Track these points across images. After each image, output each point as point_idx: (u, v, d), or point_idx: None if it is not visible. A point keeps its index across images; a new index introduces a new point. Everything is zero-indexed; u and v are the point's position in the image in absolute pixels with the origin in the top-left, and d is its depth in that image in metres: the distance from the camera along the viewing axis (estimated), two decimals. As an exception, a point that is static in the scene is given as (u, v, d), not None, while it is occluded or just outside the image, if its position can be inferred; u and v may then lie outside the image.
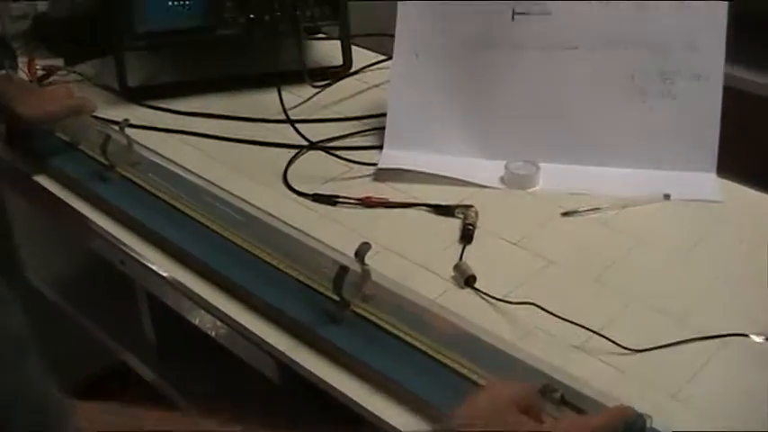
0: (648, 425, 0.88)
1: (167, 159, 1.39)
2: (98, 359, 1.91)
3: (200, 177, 1.33)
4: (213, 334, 1.21)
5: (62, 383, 0.79)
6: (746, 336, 1.07)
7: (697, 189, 1.37)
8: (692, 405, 0.98)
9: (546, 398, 0.90)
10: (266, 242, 1.20)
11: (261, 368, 1.13)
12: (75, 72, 1.77)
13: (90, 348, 1.73)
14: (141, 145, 1.42)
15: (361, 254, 1.04)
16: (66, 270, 1.84)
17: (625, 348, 1.04)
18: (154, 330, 1.51)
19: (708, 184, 1.38)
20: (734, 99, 1.42)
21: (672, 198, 1.35)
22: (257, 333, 1.10)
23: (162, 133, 1.56)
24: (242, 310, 1.14)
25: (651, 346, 1.05)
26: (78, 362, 1.96)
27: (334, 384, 1.02)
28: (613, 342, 1.05)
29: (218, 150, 1.51)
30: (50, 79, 1.76)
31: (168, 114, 1.63)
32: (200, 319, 1.22)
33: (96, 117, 1.50)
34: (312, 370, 1.04)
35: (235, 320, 1.13)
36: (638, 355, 1.04)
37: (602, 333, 1.06)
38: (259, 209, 1.24)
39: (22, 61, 1.78)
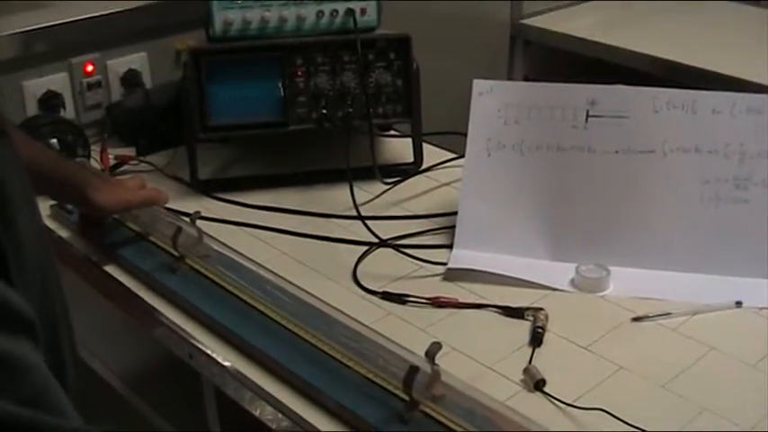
0: None
1: (237, 252, 1.43)
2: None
3: (269, 271, 1.37)
4: (260, 416, 1.25)
5: None
6: (818, 448, 1.10)
7: (769, 297, 1.40)
8: None
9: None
10: (335, 339, 1.23)
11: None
12: (146, 162, 1.84)
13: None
14: (212, 237, 1.47)
15: (431, 353, 1.08)
16: (133, 362, 1.88)
17: (695, 458, 1.08)
18: (220, 427, 1.54)
19: (781, 291, 1.42)
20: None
21: (743, 305, 1.38)
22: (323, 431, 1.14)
23: (232, 227, 1.62)
24: (310, 408, 1.18)
25: (721, 456, 1.08)
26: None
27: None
28: (683, 451, 1.09)
29: (288, 245, 1.56)
30: (122, 168, 1.83)
31: (239, 208, 1.68)
32: (270, 417, 1.26)
33: (167, 208, 1.56)
34: (380, 470, 1.08)
35: (303, 418, 1.17)
36: (708, 464, 1.08)
37: (672, 441, 1.10)
38: (328, 304, 1.28)
39: (94, 150, 1.85)
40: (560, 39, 2.67)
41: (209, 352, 1.30)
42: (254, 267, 1.40)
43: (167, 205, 1.57)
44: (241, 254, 1.43)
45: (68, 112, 1.94)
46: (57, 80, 1.92)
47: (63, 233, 1.62)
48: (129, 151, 1.88)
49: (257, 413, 1.26)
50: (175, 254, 1.47)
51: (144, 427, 1.73)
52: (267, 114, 1.70)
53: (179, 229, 1.45)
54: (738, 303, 1.38)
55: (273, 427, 1.25)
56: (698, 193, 1.46)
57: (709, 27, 2.68)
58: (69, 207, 1.63)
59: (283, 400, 1.20)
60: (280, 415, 1.21)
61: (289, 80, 1.69)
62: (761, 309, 1.38)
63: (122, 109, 1.98)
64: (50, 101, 1.91)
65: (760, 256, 1.44)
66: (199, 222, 1.47)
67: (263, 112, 1.70)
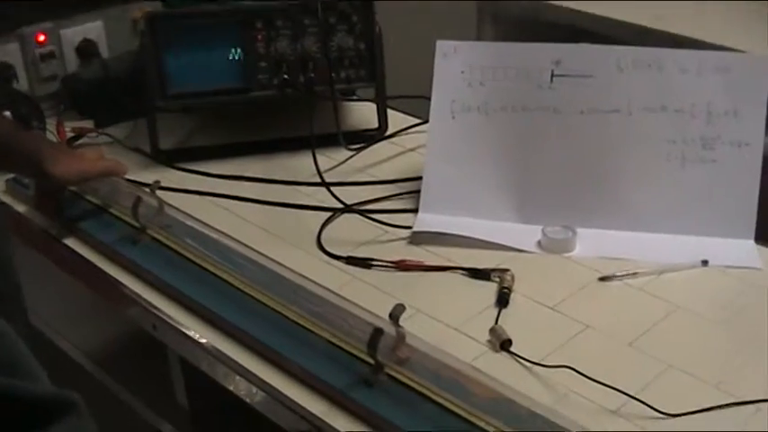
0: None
1: (199, 221, 1.45)
2: (134, 429, 1.95)
3: (233, 240, 1.39)
4: (247, 399, 1.27)
5: None
6: (782, 401, 1.14)
7: (735, 256, 1.43)
8: (728, 470, 1.05)
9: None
10: (300, 305, 1.26)
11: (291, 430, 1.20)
12: (105, 134, 1.84)
13: (125, 417, 1.78)
14: (173, 207, 1.48)
15: (395, 316, 1.10)
16: (99, 338, 1.90)
17: (661, 413, 1.11)
18: (187, 396, 1.55)
19: (746, 251, 1.44)
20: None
21: (709, 264, 1.41)
22: (291, 397, 1.17)
23: (194, 196, 1.63)
24: (275, 374, 1.21)
25: (686, 410, 1.11)
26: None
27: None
28: (649, 406, 1.11)
29: (251, 213, 1.58)
30: (80, 141, 1.83)
31: (201, 177, 1.70)
32: (233, 384, 1.28)
33: (128, 180, 1.57)
34: (346, 434, 1.11)
35: (268, 384, 1.20)
36: (674, 419, 1.11)
37: (637, 397, 1.13)
38: (292, 271, 1.30)
39: (50, 123, 1.85)
40: (528, 6, 2.67)
41: (173, 323, 1.33)
42: (216, 236, 1.41)
43: (128, 176, 1.58)
44: (203, 223, 1.45)
45: (21, 85, 1.92)
46: (8, 51, 1.91)
47: (20, 208, 1.64)
48: (87, 124, 1.88)
49: (230, 386, 1.28)
50: (136, 225, 1.48)
51: (112, 402, 1.75)
52: (227, 81, 1.72)
53: (139, 200, 1.47)
54: (704, 262, 1.41)
55: (247, 399, 1.27)
56: (664, 153, 1.49)
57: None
58: (26, 181, 1.64)
59: (252, 370, 1.22)
60: (252, 387, 1.23)
61: (249, 46, 1.70)
62: (727, 267, 1.41)
63: (79, 80, 1.97)
64: (2, 72, 1.89)
65: (726, 215, 1.47)
66: (161, 193, 1.48)
67: (223, 78, 1.71)
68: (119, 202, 1.54)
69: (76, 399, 0.85)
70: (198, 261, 1.40)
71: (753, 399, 1.14)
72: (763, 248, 1.45)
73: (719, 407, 1.13)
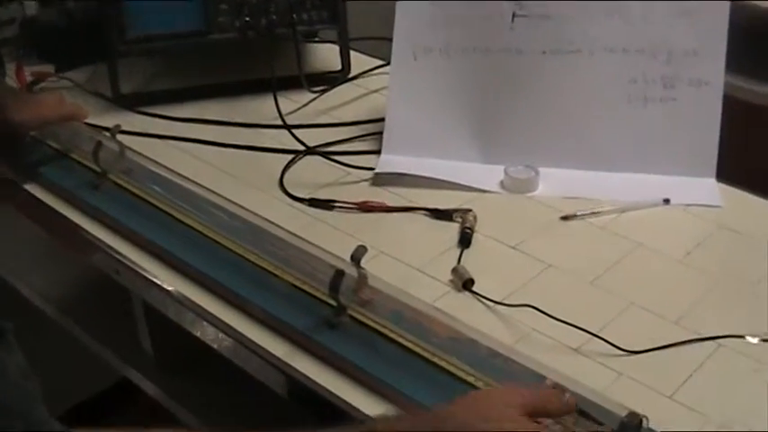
0: (645, 425, 0.93)
1: (161, 166, 1.43)
2: (103, 376, 1.94)
3: (195, 183, 1.38)
4: (211, 343, 1.27)
5: (67, 402, 0.85)
6: (742, 337, 1.14)
7: (696, 194, 1.44)
8: (689, 405, 1.05)
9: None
10: (262, 248, 1.25)
11: (260, 376, 1.19)
12: (66, 79, 1.82)
13: (95, 364, 1.78)
14: (134, 151, 1.46)
15: (357, 257, 1.10)
16: (59, 282, 1.88)
17: (622, 350, 1.11)
18: (151, 341, 1.55)
19: (707, 189, 1.45)
20: (734, 107, 1.49)
21: (671, 203, 1.42)
22: (254, 340, 1.16)
23: (157, 140, 1.62)
24: (238, 318, 1.19)
25: (647, 347, 1.12)
26: (84, 379, 2.00)
27: (331, 389, 1.08)
28: (611, 344, 1.12)
29: (213, 157, 1.56)
30: (40, 86, 1.80)
31: (163, 121, 1.68)
32: (197, 329, 1.27)
33: (89, 124, 1.55)
34: (309, 375, 1.10)
35: (231, 327, 1.19)
36: (635, 356, 1.11)
37: (599, 335, 1.13)
38: (255, 214, 1.29)
39: (9, 68, 1.83)
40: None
41: (135, 267, 1.31)
42: (178, 180, 1.40)
43: (89, 121, 1.56)
44: (164, 167, 1.43)
45: (-23, 30, 1.90)
46: (-36, -5, 1.87)
47: (-21, 155, 1.62)
48: (47, 68, 1.86)
49: (194, 330, 1.27)
50: (97, 170, 1.46)
51: (76, 348, 1.74)
52: (188, 24, 1.69)
53: (99, 144, 1.44)
54: (666, 201, 1.42)
55: (210, 343, 1.27)
56: (626, 93, 1.49)
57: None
58: (-16, 128, 1.61)
59: (215, 313, 1.21)
60: (215, 330, 1.23)
61: (209, -13, 1.68)
62: (688, 205, 1.42)
63: (38, 24, 1.94)
64: (-44, 18, 1.87)
65: (688, 154, 1.48)
66: (124, 138, 1.47)
67: (183, 22, 1.69)
68: (79, 147, 1.52)
69: (8, 327, 0.84)
70: (159, 205, 1.39)
71: (713, 335, 1.14)
72: (723, 186, 1.46)
73: (680, 343, 1.13)
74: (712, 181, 1.46)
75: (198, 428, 1.47)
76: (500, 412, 0.91)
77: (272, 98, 1.61)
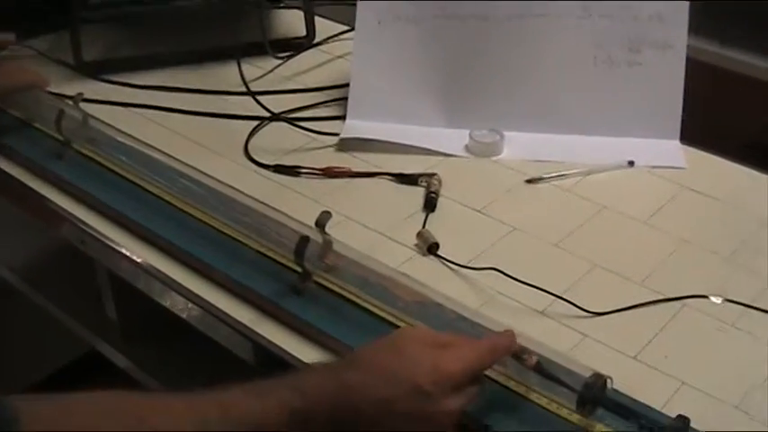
0: (609, 386, 0.94)
1: (124, 134, 1.41)
2: (72, 347, 1.93)
3: (160, 151, 1.36)
4: (177, 311, 1.26)
5: (38, 373, 0.85)
6: (706, 297, 1.15)
7: (661, 156, 1.44)
8: (653, 366, 1.05)
9: (520, 362, 0.97)
10: (227, 215, 1.24)
11: (227, 344, 1.19)
12: (27, 46, 1.79)
13: (56, 333, 1.77)
14: (97, 119, 1.44)
15: (321, 223, 1.09)
16: (23, 252, 1.87)
17: (587, 312, 1.12)
18: (117, 311, 1.54)
19: (671, 151, 1.46)
20: (698, 69, 1.49)
21: (636, 165, 1.42)
22: (219, 307, 1.15)
23: (121, 108, 1.59)
24: (204, 285, 1.18)
25: (613, 308, 1.12)
26: (53, 350, 1.99)
27: (297, 355, 1.07)
28: (575, 306, 1.12)
29: (178, 124, 1.55)
30: (1, 55, 1.75)
31: (127, 89, 1.66)
32: (163, 297, 1.27)
33: (50, 93, 1.52)
34: (275, 341, 1.10)
35: (197, 295, 1.18)
36: (600, 318, 1.11)
37: (564, 297, 1.13)
38: (220, 182, 1.28)
39: (-33, 36, 1.80)
40: None
41: (100, 237, 1.30)
42: (142, 148, 1.38)
43: (53, 90, 1.54)
44: (129, 135, 1.41)
45: (-62, -5, 1.86)
46: None
47: (-59, 124, 1.59)
48: (8, 36, 1.79)
49: (159, 299, 1.27)
50: (60, 139, 1.44)
51: (42, 318, 1.73)
52: (152, -10, 1.68)
53: (62, 113, 1.42)
54: (630, 163, 1.42)
55: (176, 311, 1.26)
56: (591, 57, 1.49)
57: None
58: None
59: (181, 282, 1.20)
60: (182, 299, 1.23)
61: (172, -48, 1.66)
62: (652, 167, 1.42)
63: (-1, -8, 1.92)
64: None
65: (652, 116, 1.48)
66: (88, 106, 1.45)
67: (147, -12, 1.67)
68: (42, 116, 1.49)
69: None
70: (124, 174, 1.37)
71: (677, 295, 1.15)
72: (688, 148, 1.46)
73: (644, 304, 1.14)
74: (676, 143, 1.47)
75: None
76: (414, 348, 0.91)
77: (238, 65, 1.59)
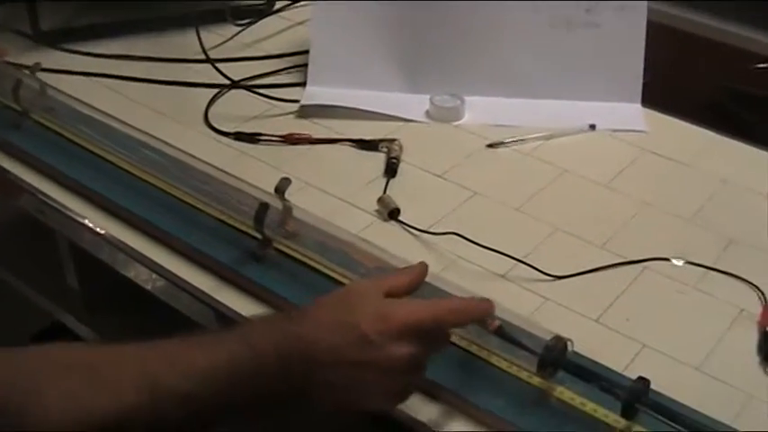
0: (570, 348, 0.94)
1: (83, 103, 1.39)
2: (36, 319, 1.91)
3: (119, 120, 1.34)
4: (137, 279, 1.25)
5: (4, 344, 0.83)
6: (668, 260, 1.14)
7: (622, 119, 1.43)
8: (614, 328, 1.05)
9: (482, 326, 0.96)
10: (187, 183, 1.23)
11: (189, 312, 1.17)
12: (-18, 17, 1.77)
13: (18, 305, 1.74)
14: (55, 89, 1.42)
15: (281, 189, 1.08)
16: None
17: (548, 275, 1.11)
18: (78, 281, 1.53)
19: (632, 114, 1.45)
20: (659, 31, 1.48)
21: (597, 129, 1.41)
22: (179, 275, 1.15)
23: (79, 78, 1.57)
24: (164, 254, 1.18)
25: (574, 272, 1.12)
26: (15, 323, 1.97)
27: (256, 320, 1.07)
28: (537, 269, 1.12)
29: (138, 93, 1.52)
30: None
31: (86, 58, 1.63)
32: (123, 266, 1.25)
33: (7, 62, 1.50)
34: (236, 309, 1.09)
35: (157, 264, 1.17)
36: (561, 281, 1.11)
37: (525, 261, 1.13)
38: (180, 150, 1.26)
39: None
40: None
41: (59, 207, 1.29)
42: (101, 117, 1.36)
43: (10, 60, 1.51)
44: (88, 104, 1.39)
45: None
46: None
47: None
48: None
49: (120, 268, 1.25)
50: (18, 109, 1.42)
51: (2, 290, 1.72)
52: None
53: (19, 83, 1.40)
54: (592, 126, 1.41)
55: (138, 280, 1.25)
56: (548, 19, 1.47)
57: None
58: None
59: (141, 250, 1.19)
60: (143, 268, 1.21)
61: None
62: (614, 131, 1.42)
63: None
64: None
65: (613, 79, 1.47)
66: (47, 76, 1.43)
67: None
68: (-1, 86, 1.48)
69: None
70: (83, 143, 1.36)
71: (639, 258, 1.15)
72: (649, 111, 1.46)
73: (606, 267, 1.14)
74: (637, 106, 1.46)
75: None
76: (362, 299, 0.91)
77: (197, 32, 1.56)
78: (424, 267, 0.98)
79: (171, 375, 0.85)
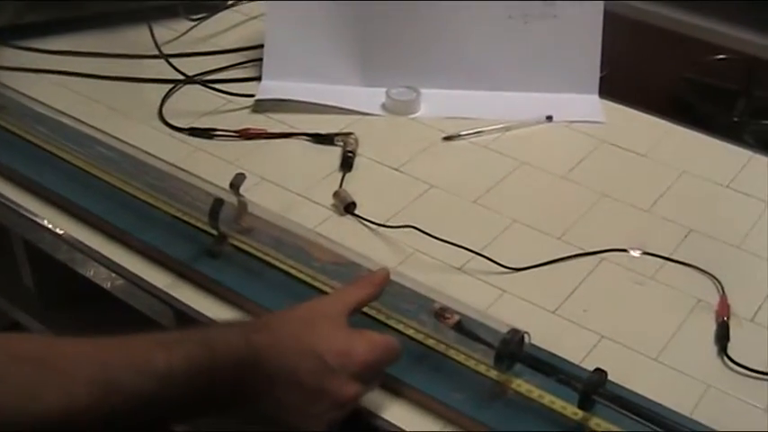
0: (527, 341, 0.94)
1: (35, 101, 1.38)
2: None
3: (72, 118, 1.33)
4: (93, 277, 1.24)
5: None
6: (625, 251, 1.14)
7: (579, 110, 1.43)
8: (572, 320, 1.05)
9: (440, 321, 0.96)
10: (142, 180, 1.22)
11: (145, 309, 1.16)
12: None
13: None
14: (6, 87, 1.41)
15: (235, 185, 1.07)
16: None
17: (505, 267, 1.11)
18: (33, 279, 1.51)
19: (590, 105, 1.45)
20: (616, 23, 1.48)
21: (554, 120, 1.41)
22: (135, 272, 1.14)
23: (31, 75, 1.55)
24: (120, 251, 1.17)
25: (531, 264, 1.12)
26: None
27: (215, 318, 1.06)
28: (494, 262, 1.11)
29: (91, 90, 1.51)
30: None
31: (38, 55, 1.61)
32: (78, 264, 1.24)
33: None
34: (192, 305, 1.08)
35: (113, 261, 1.16)
36: (519, 273, 1.11)
37: (482, 254, 1.12)
38: (134, 147, 1.25)
39: None
40: None
41: (11, 205, 1.27)
42: (54, 114, 1.34)
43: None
44: (40, 102, 1.38)
45: None
46: None
47: None
48: None
49: (75, 266, 1.24)
50: (-33, 107, 1.41)
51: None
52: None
53: (-32, 80, 1.40)
54: (549, 118, 1.41)
55: (93, 278, 1.24)
56: (505, 11, 1.47)
57: None
58: None
59: (96, 248, 1.18)
60: (98, 266, 1.19)
61: None
62: (571, 122, 1.42)
63: None
64: None
65: (570, 70, 1.47)
66: (-4, 73, 1.41)
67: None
68: (-52, 85, 1.46)
69: None
70: (36, 141, 1.34)
71: (596, 249, 1.15)
72: (606, 102, 1.46)
73: (563, 258, 1.14)
74: (595, 97, 1.46)
75: None
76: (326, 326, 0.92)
77: (149, 27, 1.55)
78: (385, 274, 0.99)
79: (127, 373, 0.84)
